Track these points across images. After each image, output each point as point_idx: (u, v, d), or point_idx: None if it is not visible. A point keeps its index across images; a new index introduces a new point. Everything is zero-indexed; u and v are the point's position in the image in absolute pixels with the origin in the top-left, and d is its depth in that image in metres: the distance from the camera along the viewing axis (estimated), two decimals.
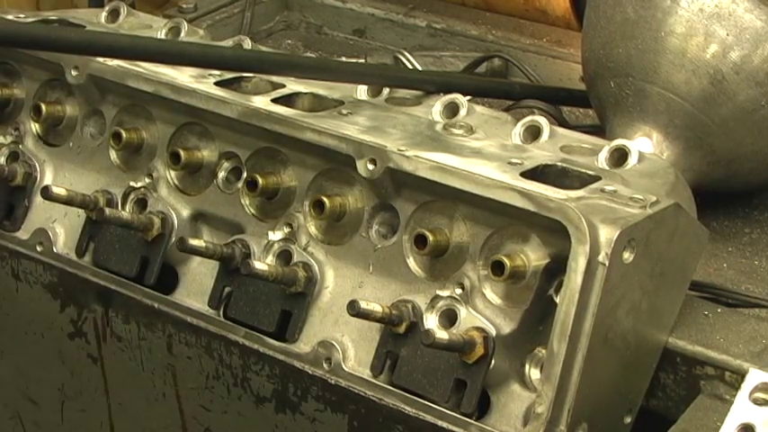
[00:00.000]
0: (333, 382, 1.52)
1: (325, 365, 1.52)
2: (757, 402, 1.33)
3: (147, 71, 1.70)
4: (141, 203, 1.69)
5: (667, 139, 1.77)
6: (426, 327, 1.47)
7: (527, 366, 1.44)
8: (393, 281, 1.52)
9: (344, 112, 1.66)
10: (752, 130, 1.75)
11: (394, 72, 1.94)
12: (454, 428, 1.43)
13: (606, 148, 1.57)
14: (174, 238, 1.65)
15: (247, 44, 1.79)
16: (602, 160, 1.56)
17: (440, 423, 1.44)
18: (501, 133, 1.63)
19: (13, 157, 1.80)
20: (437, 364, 1.45)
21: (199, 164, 1.67)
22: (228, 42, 1.81)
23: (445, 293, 1.48)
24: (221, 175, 1.66)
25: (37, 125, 1.80)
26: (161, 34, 1.85)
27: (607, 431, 1.46)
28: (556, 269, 1.42)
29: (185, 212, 1.67)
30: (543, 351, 1.42)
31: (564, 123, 1.95)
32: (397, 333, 1.48)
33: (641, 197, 1.46)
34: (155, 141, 1.71)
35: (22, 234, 1.76)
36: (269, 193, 1.60)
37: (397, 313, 1.47)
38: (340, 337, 1.53)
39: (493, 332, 1.44)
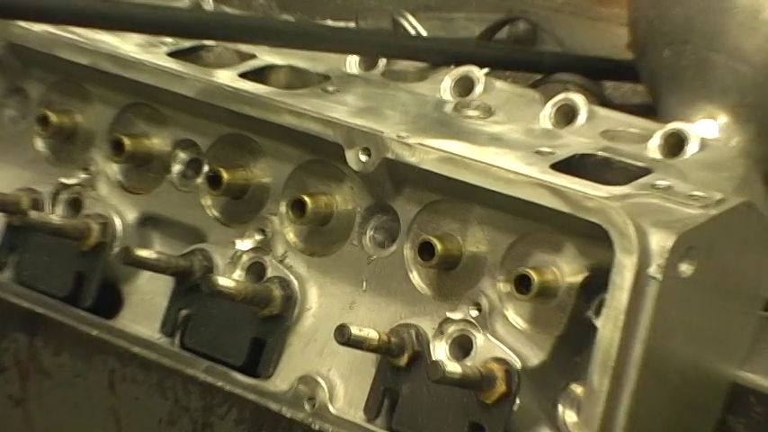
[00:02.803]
0: (317, 427, 1.52)
1: (307, 407, 1.53)
2: None
3: (83, 39, 1.71)
4: (75, 205, 1.70)
5: (737, 122, 1.78)
6: (434, 358, 1.47)
7: (560, 407, 1.44)
8: (392, 300, 1.52)
9: (331, 89, 1.67)
10: None
11: (392, 39, 1.94)
12: None
13: (659, 132, 1.57)
14: (116, 249, 1.65)
15: (208, 4, 1.79)
16: (653, 148, 1.57)
17: None
18: (527, 115, 1.64)
19: None
20: (447, 404, 1.46)
21: (148, 155, 1.68)
22: (185, 2, 1.82)
23: (457, 316, 1.48)
24: (176, 168, 1.67)
25: None
26: None
27: None
28: (595, 285, 1.43)
29: (131, 216, 1.68)
30: (581, 388, 1.42)
31: (606, 102, 1.96)
32: (398, 366, 1.48)
33: (703, 194, 1.46)
34: (92, 127, 1.72)
35: None
36: (236, 192, 1.61)
37: (398, 341, 1.47)
38: (326, 372, 1.54)
39: (518, 364, 1.44)
